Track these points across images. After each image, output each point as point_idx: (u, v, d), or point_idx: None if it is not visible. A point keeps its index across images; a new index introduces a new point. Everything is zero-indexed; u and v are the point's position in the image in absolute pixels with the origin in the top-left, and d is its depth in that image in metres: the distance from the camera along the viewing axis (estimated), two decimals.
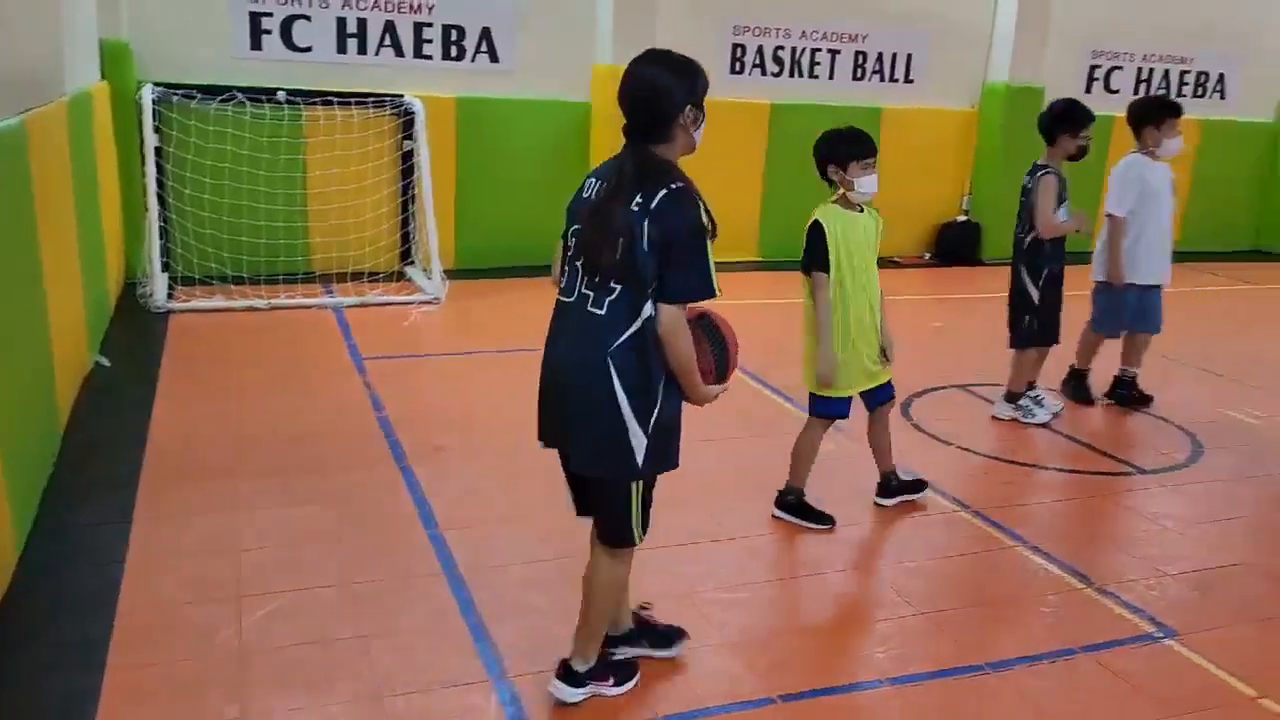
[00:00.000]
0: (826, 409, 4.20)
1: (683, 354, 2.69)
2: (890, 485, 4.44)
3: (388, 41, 8.08)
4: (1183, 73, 11.01)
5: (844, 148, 4.00)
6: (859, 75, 9.81)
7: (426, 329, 6.97)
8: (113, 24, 7.24)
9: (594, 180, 2.78)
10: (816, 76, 9.64)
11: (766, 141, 9.46)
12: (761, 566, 3.85)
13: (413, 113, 7.88)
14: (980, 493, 4.65)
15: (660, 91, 2.64)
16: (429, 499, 4.25)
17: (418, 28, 8.14)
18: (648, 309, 2.67)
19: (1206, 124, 10.94)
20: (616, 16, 8.38)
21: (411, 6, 8.09)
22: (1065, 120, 5.25)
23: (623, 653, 3.17)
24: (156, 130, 7.22)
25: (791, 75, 9.58)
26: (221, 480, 4.35)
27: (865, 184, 4.02)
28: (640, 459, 2.75)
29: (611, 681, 3.02)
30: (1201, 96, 11.12)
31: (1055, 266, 5.41)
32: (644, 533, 2.93)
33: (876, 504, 4.41)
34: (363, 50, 8.02)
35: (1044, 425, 5.49)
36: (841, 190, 4.08)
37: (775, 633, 3.42)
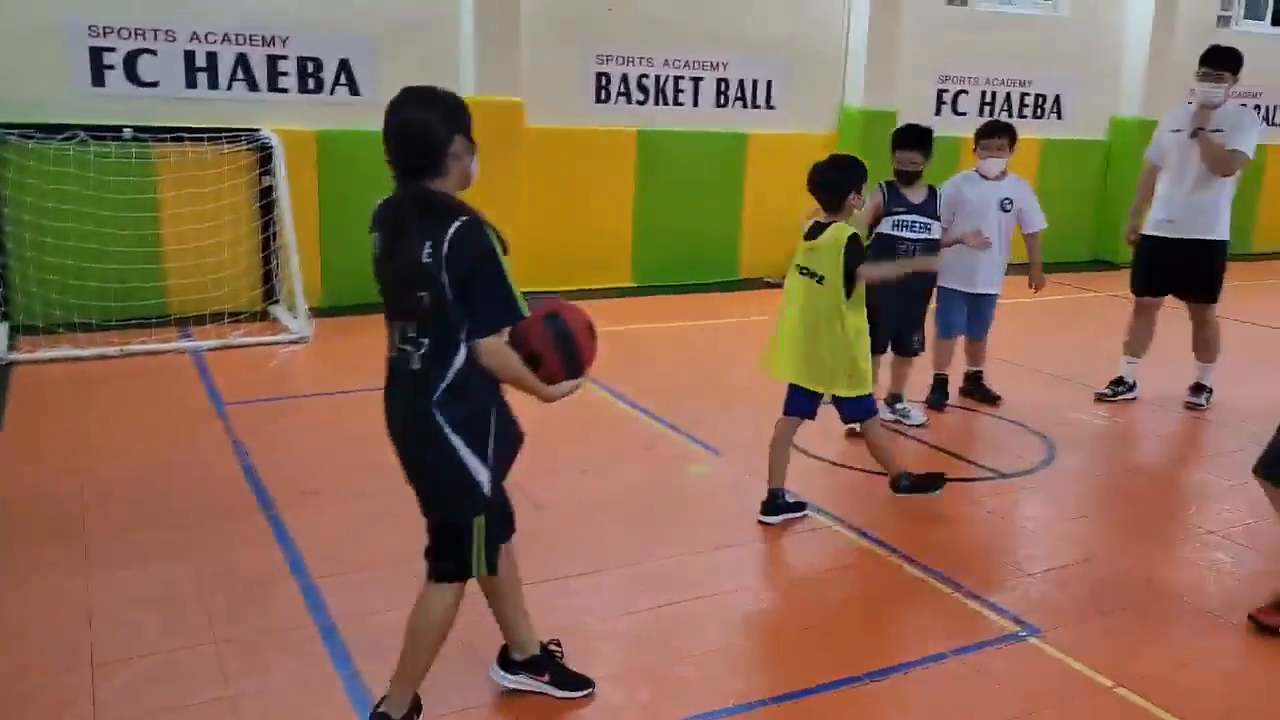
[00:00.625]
0: (872, 406, 4.53)
1: (514, 375, 2.71)
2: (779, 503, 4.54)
3: (240, 75, 7.84)
4: (1023, 95, 11.66)
5: (862, 175, 4.38)
6: (722, 102, 10.02)
7: (293, 369, 6.76)
8: None
9: (376, 235, 2.72)
10: (682, 104, 9.81)
11: (635, 168, 9.57)
12: (643, 594, 3.85)
13: (270, 147, 7.66)
14: (853, 506, 4.77)
15: (425, 125, 2.64)
16: (298, 547, 4.11)
17: (272, 60, 7.93)
18: (461, 351, 2.66)
19: (1046, 142, 11.61)
20: (479, 46, 8.36)
21: (264, 39, 7.88)
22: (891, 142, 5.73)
23: (519, 683, 3.12)
24: None
25: (657, 103, 9.72)
26: (70, 540, 4.10)
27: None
28: (486, 491, 2.78)
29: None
30: (1041, 117, 11.79)
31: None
32: (491, 567, 2.89)
33: (761, 522, 4.48)
34: (214, 84, 7.76)
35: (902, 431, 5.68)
36: (854, 211, 4.44)
37: (658, 660, 3.42)
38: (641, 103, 9.63)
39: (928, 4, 10.80)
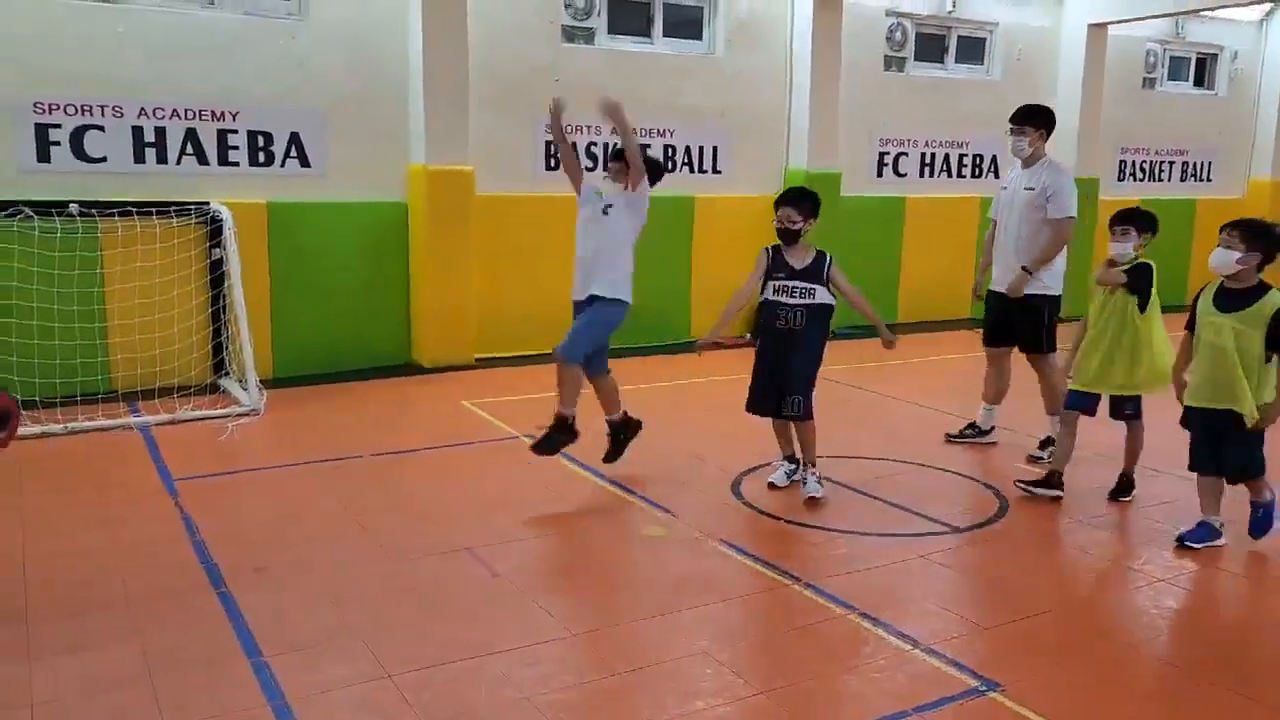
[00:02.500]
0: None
1: None
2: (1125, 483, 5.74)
3: (190, 150, 7.84)
4: (960, 155, 12.02)
5: (1147, 220, 5.49)
6: (670, 167, 10.19)
7: (245, 442, 6.66)
8: None
9: None
10: None
11: None
12: (600, 661, 3.81)
13: (220, 220, 7.64)
14: (809, 564, 4.78)
15: None
16: (250, 624, 4.02)
17: (222, 135, 7.95)
18: None
19: (984, 200, 11.91)
20: (428, 117, 8.46)
21: (214, 114, 7.90)
22: None
23: None
24: None
25: (605, 169, 9.83)
26: (12, 626, 3.97)
27: (1116, 248, 5.46)
28: None
29: None
30: (979, 176, 12.15)
31: (764, 337, 5.72)
32: None
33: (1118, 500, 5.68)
34: (163, 159, 7.75)
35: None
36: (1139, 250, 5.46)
37: None
38: (590, 169, 9.74)
39: (866, 70, 11.15)
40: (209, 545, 4.82)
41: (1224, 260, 4.67)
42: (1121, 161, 13.30)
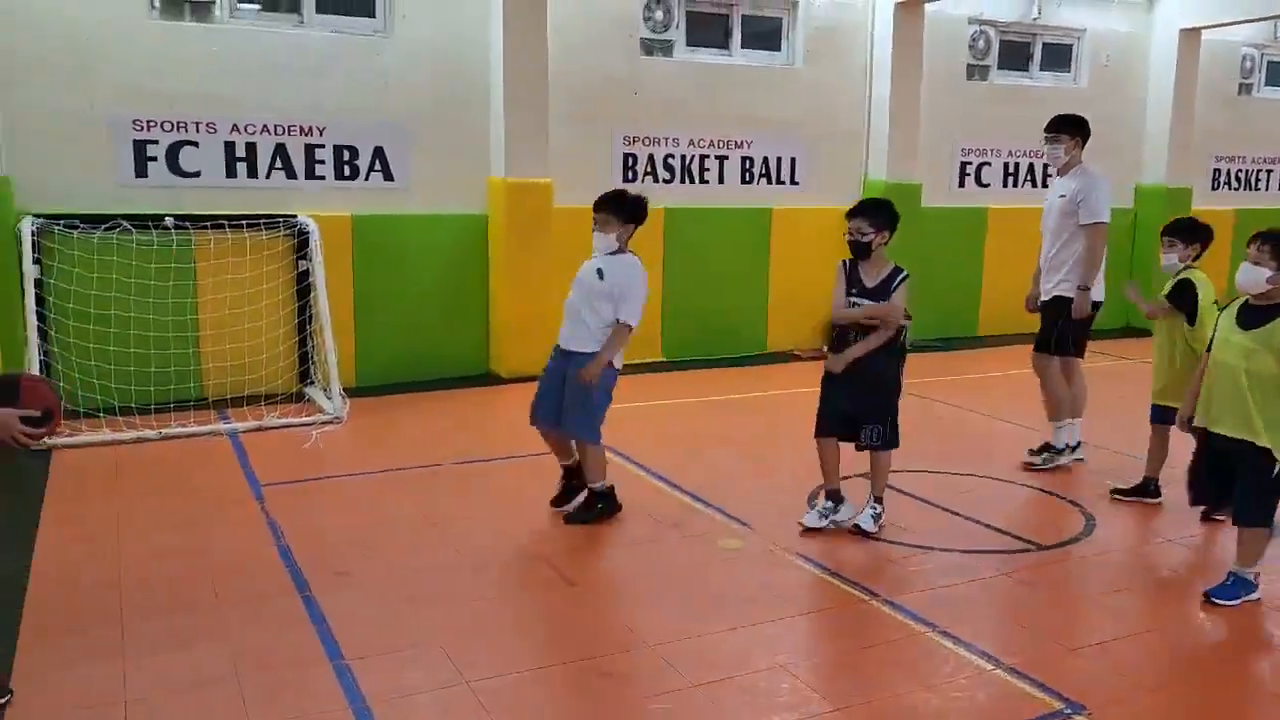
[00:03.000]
0: None
1: None
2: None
3: (279, 164, 8.08)
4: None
5: (1200, 232, 5.53)
6: (747, 179, 10.18)
7: (328, 450, 6.82)
8: None
9: None
10: (707, 182, 9.97)
11: (663, 245, 9.68)
12: (675, 674, 3.80)
13: (307, 232, 7.86)
14: (888, 580, 4.71)
15: None
16: (333, 628, 4.10)
17: (309, 149, 8.17)
18: None
19: None
20: (509, 129, 8.58)
21: (302, 129, 8.13)
22: None
23: None
24: (36, 262, 7.05)
25: (682, 181, 9.88)
26: (107, 625, 4.12)
27: (1163, 261, 5.61)
28: None
29: None
30: None
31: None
32: None
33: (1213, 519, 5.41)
34: (253, 173, 8.01)
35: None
36: (1182, 260, 5.54)
37: None
38: (668, 181, 9.79)
39: (948, 78, 10.98)
40: (294, 550, 4.94)
41: (1253, 279, 4.31)
42: (1215, 170, 12.86)
